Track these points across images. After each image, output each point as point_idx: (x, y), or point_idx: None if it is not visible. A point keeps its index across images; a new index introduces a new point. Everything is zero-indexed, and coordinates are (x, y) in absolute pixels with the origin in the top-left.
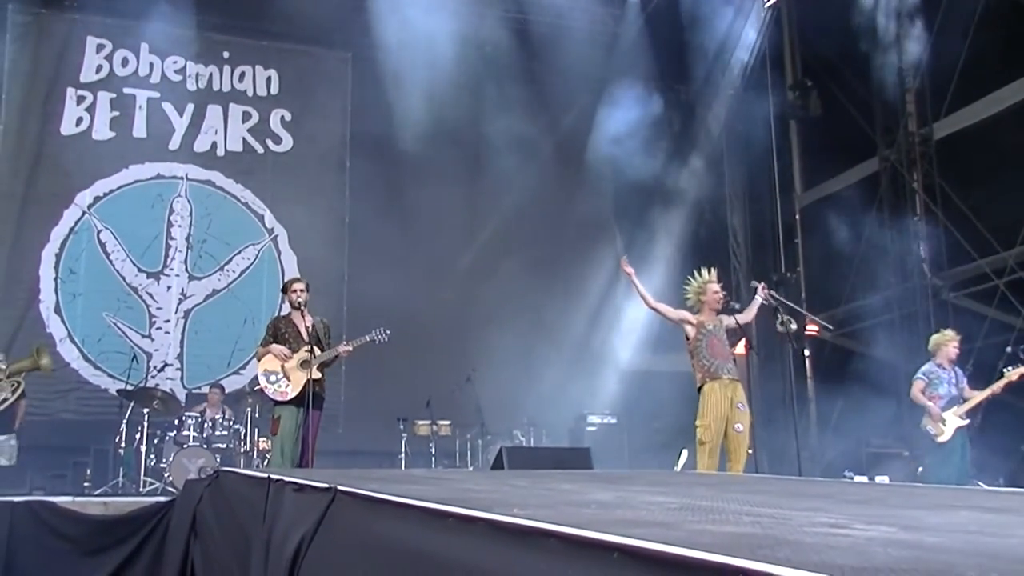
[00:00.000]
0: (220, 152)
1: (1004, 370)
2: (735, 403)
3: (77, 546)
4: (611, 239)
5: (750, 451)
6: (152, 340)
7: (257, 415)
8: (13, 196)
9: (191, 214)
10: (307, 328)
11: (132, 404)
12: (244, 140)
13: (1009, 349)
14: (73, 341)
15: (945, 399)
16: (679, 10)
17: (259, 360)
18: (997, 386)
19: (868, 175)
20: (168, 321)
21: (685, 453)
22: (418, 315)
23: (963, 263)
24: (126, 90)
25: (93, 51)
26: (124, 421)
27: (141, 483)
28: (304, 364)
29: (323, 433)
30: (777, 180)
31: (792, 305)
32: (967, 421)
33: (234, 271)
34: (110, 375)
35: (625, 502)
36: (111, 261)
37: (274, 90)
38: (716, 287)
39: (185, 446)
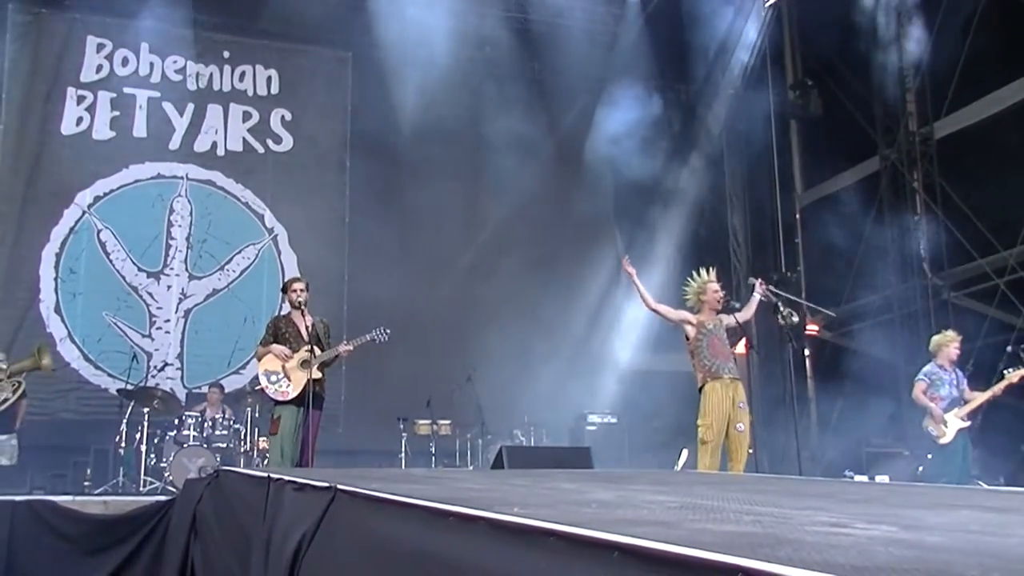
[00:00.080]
0: (220, 152)
1: (1004, 371)
2: (737, 403)
3: (77, 545)
4: (611, 239)
5: (750, 451)
6: (152, 340)
7: (257, 415)
8: (13, 196)
9: (191, 214)
10: (307, 328)
11: (132, 404)
12: (244, 140)
13: (1010, 349)
14: (73, 341)
15: (946, 400)
16: (679, 10)
17: (259, 360)
18: (998, 388)
19: (868, 174)
20: (168, 321)
21: (685, 452)
22: (418, 314)
23: (963, 262)
24: (126, 90)
25: (93, 51)
26: (124, 421)
27: (141, 482)
28: (305, 364)
29: (323, 433)
30: (777, 179)
31: (791, 297)
32: (968, 423)
33: (234, 271)
34: (110, 375)
35: (626, 501)
36: (111, 261)
37: (274, 90)
38: (716, 286)
39: (185, 445)
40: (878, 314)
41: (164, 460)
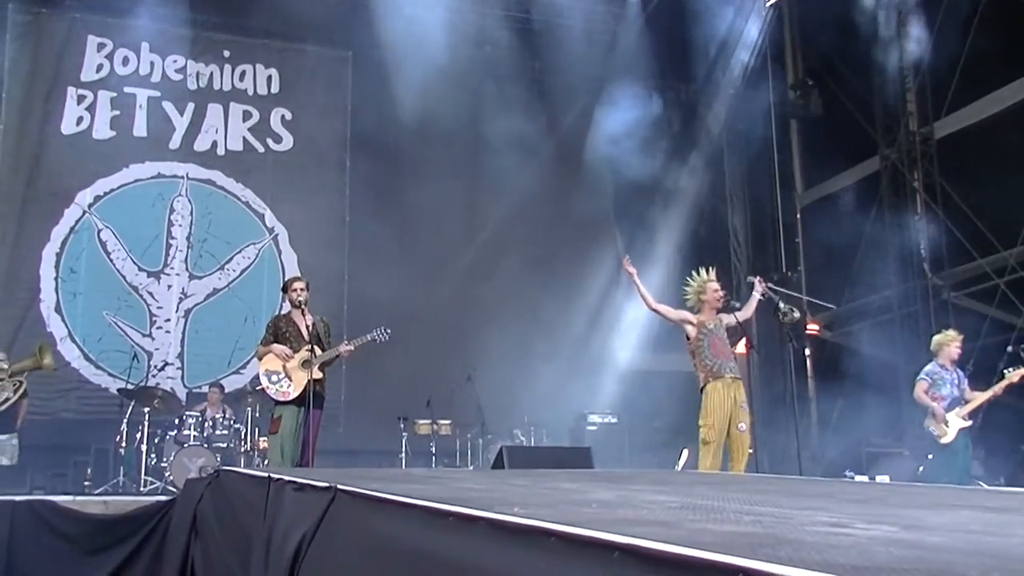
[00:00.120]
0: (220, 151)
1: (1005, 371)
2: (738, 402)
3: (78, 545)
4: (611, 239)
5: (750, 451)
6: (152, 339)
7: (257, 414)
8: (13, 196)
9: (191, 213)
10: (308, 327)
11: (133, 403)
12: (244, 139)
13: (1010, 348)
14: (74, 340)
15: (948, 400)
16: (679, 9)
17: (260, 360)
18: (998, 387)
19: (869, 174)
20: (168, 320)
21: (686, 452)
22: (418, 314)
23: (964, 262)
24: (126, 89)
25: (93, 50)
26: (125, 420)
27: (142, 482)
28: (305, 364)
29: (323, 433)
30: (778, 179)
31: (790, 293)
32: (969, 422)
33: (234, 270)
34: (111, 374)
35: (626, 501)
36: (111, 260)
37: (274, 89)
38: (716, 286)
39: (186, 445)
40: (878, 314)
41: (164, 460)
